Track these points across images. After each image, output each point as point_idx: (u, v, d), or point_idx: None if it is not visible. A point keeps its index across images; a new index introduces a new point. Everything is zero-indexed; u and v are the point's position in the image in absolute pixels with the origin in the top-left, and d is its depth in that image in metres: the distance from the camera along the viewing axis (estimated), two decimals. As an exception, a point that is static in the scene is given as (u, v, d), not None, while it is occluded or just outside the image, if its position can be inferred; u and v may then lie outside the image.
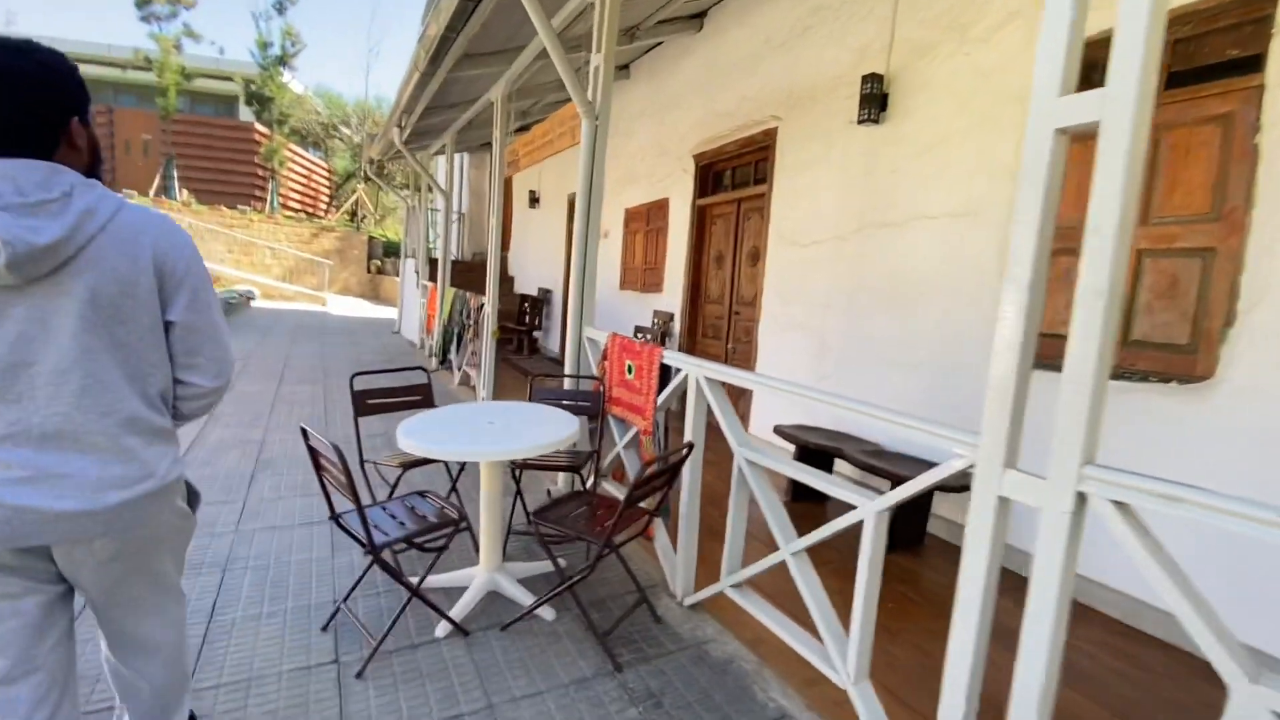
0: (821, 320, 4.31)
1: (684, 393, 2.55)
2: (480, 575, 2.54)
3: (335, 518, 2.19)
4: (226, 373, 1.35)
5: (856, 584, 1.75)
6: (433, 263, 9.51)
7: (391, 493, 2.95)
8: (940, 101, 3.54)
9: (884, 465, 3.26)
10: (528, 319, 9.58)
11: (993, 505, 1.43)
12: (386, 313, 15.97)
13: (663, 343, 5.75)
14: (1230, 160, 2.46)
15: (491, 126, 5.79)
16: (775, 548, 2.05)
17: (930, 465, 3.38)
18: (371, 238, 22.39)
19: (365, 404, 3.02)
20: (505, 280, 11.39)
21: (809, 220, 4.46)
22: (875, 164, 3.93)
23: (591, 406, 3.21)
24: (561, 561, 2.55)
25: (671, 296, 6.29)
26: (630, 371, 3.00)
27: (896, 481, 3.23)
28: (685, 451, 2.31)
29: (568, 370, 3.64)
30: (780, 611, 2.20)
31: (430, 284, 8.67)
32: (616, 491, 3.31)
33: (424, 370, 3.39)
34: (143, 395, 1.22)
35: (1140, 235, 2.70)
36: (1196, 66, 2.61)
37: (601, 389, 3.22)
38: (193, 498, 1.40)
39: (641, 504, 2.28)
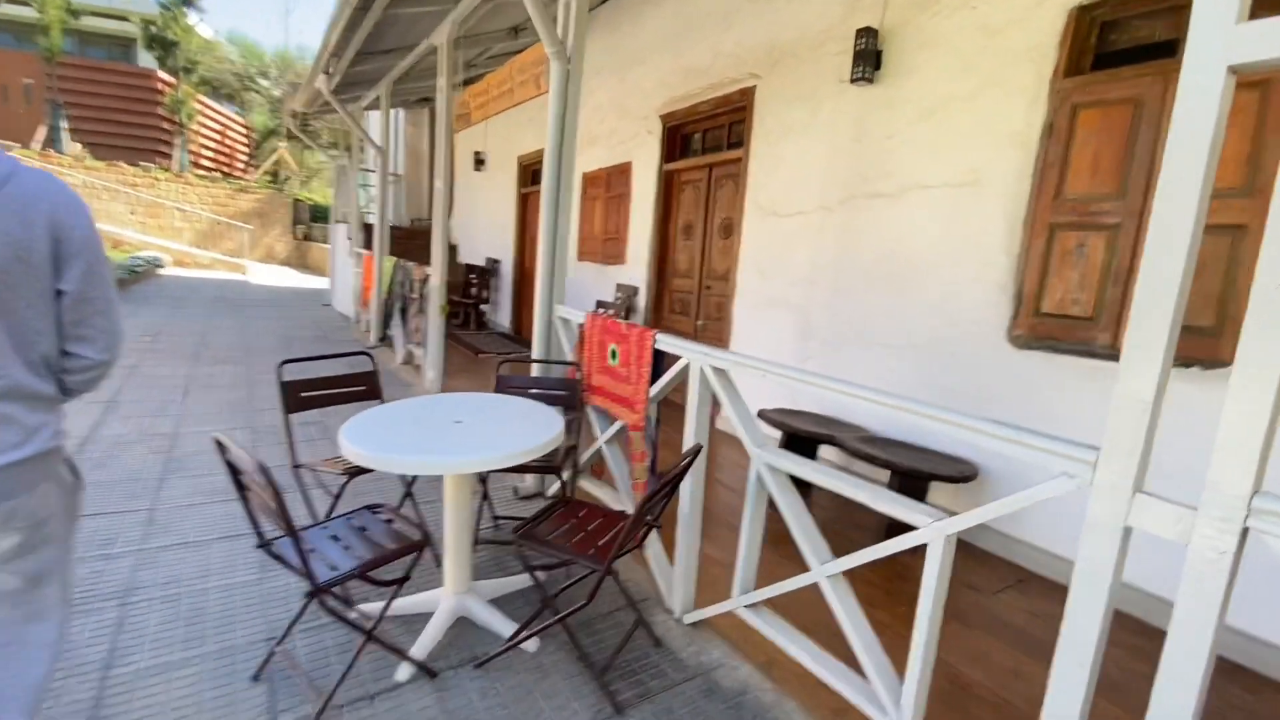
0: (805, 297, 4.05)
1: (682, 383, 2.22)
2: (447, 600, 2.16)
3: (265, 545, 1.76)
4: (115, 346, 1.33)
5: (917, 618, 1.48)
6: (367, 229, 8.73)
7: (333, 506, 2.50)
8: (942, 60, 3.26)
9: (879, 453, 3.04)
10: (475, 291, 8.98)
11: (1115, 536, 1.17)
12: (316, 283, 14.83)
13: (627, 318, 5.38)
14: (1266, 130, 2.28)
15: (435, 76, 5.16)
16: (783, 554, 1.77)
17: (927, 451, 3.26)
18: (297, 201, 20.75)
19: (298, 398, 2.54)
20: (448, 249, 10.68)
21: (791, 189, 4.15)
22: (868, 128, 3.64)
23: (569, 396, 2.83)
24: (541, 575, 2.20)
25: (635, 269, 5.90)
26: (614, 357, 2.63)
27: (894, 470, 3.04)
28: (690, 459, 1.98)
29: (536, 353, 3.23)
30: (800, 633, 1.93)
31: (365, 252, 7.94)
32: (600, 493, 2.97)
33: (368, 355, 2.92)
34: (27, 363, 1.20)
35: (1164, 210, 2.51)
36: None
37: (579, 376, 2.84)
38: (75, 477, 1.36)
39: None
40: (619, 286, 6.02)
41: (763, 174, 4.39)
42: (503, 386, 2.80)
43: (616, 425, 2.66)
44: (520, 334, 8.76)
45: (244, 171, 27.25)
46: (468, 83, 7.16)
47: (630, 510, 2.47)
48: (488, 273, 9.09)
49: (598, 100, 6.35)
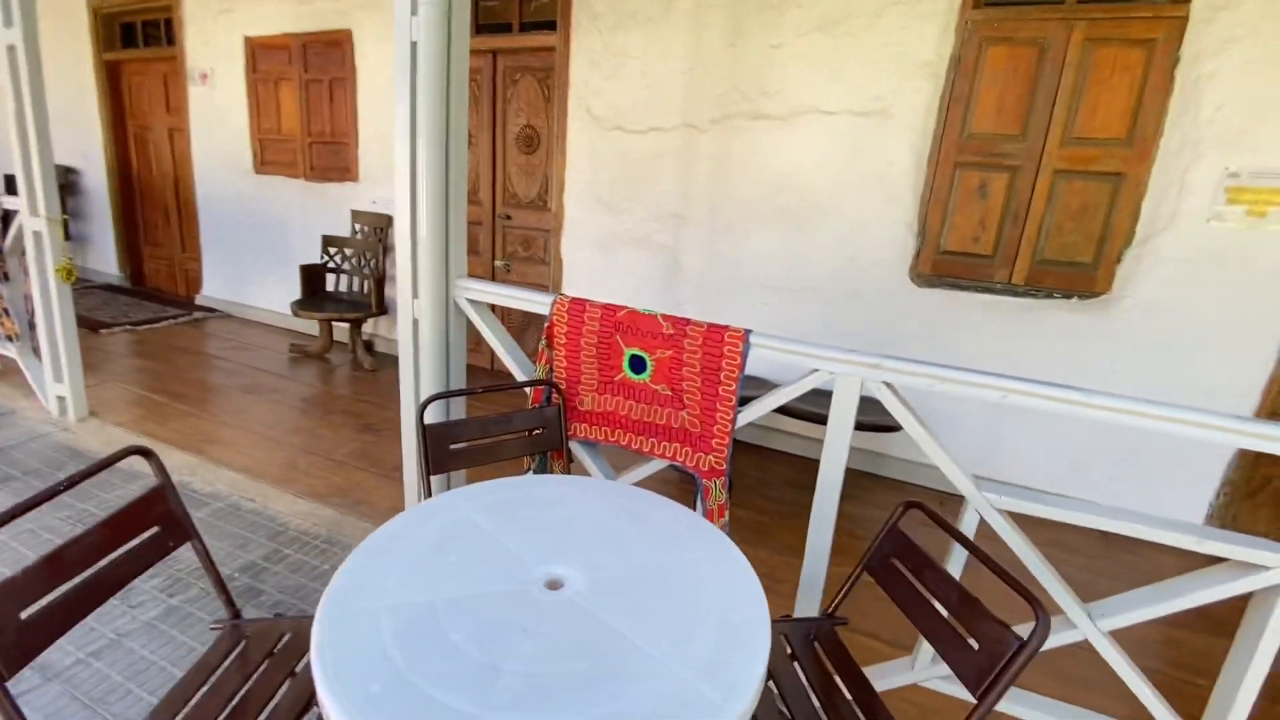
0: (673, 236, 3.46)
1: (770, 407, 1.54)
2: None
3: None
4: None
5: (1223, 680, 1.31)
6: None
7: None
8: (841, -37, 2.89)
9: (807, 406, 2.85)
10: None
11: None
12: None
13: (383, 259, 3.97)
14: (1148, 88, 2.60)
15: None
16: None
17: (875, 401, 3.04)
18: None
19: None
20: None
21: (641, 99, 3.38)
22: (746, 31, 3.09)
23: (547, 433, 1.79)
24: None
25: (377, 188, 4.28)
26: (640, 369, 1.72)
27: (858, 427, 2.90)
28: (893, 520, 1.39)
29: (403, 361, 1.98)
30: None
31: None
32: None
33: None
34: None
35: (1058, 156, 2.74)
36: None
37: (559, 401, 1.81)
38: None
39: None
40: (355, 214, 4.32)
41: (594, 73, 3.46)
42: (438, 440, 1.60)
43: (650, 466, 1.80)
44: (144, 283, 5.84)
45: None
46: None
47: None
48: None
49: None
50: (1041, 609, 1.07)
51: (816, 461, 3.32)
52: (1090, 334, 2.81)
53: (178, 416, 3.24)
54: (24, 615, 0.98)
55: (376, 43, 4.03)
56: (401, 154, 1.80)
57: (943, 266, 3.01)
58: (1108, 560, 2.79)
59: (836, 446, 1.55)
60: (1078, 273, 2.81)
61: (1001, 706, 1.32)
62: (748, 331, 1.59)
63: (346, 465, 2.85)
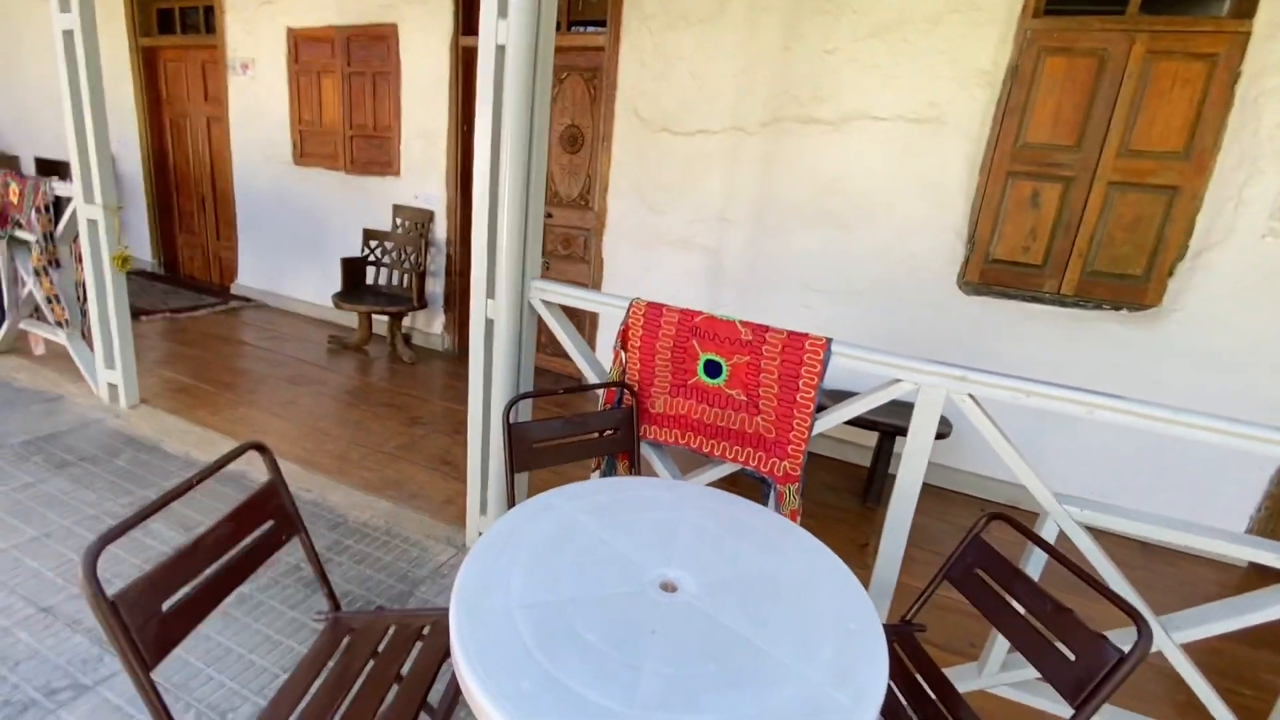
0: (717, 237, 3.48)
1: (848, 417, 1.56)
2: None
3: None
4: None
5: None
6: None
7: None
8: (899, -31, 2.89)
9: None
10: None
11: None
12: None
13: (423, 253, 4.00)
14: (1208, 103, 2.60)
15: None
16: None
17: (906, 406, 3.01)
18: None
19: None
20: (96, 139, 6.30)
21: (691, 98, 3.39)
22: (801, 34, 3.10)
23: (618, 435, 1.82)
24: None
25: (420, 182, 4.31)
26: (715, 374, 1.74)
27: (881, 430, 2.91)
28: (975, 532, 1.41)
29: (473, 363, 2.01)
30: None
31: None
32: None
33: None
34: None
35: (1114, 167, 2.74)
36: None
37: (632, 403, 1.84)
38: None
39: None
40: (397, 209, 4.36)
41: (644, 74, 3.48)
42: (521, 438, 1.63)
43: (720, 469, 1.83)
44: (177, 271, 5.91)
45: None
46: None
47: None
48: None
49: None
50: (1144, 622, 1.09)
51: (853, 465, 3.34)
52: (1139, 347, 2.81)
53: (227, 406, 3.29)
54: (165, 606, 1.02)
55: (423, 37, 4.05)
56: (481, 154, 1.82)
57: (991, 275, 3.01)
58: (1147, 571, 2.81)
59: (916, 455, 1.57)
60: (1128, 285, 2.82)
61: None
62: (829, 340, 1.61)
63: (398, 458, 2.89)
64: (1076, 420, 2.97)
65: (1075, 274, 2.88)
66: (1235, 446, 1.39)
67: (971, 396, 1.51)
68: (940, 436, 2.69)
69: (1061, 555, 1.29)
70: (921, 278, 3.10)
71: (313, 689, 1.17)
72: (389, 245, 4.26)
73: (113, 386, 3.20)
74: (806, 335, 1.62)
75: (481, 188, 1.84)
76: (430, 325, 4.55)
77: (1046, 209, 2.88)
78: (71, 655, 1.73)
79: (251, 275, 5.33)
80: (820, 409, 1.67)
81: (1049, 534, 1.50)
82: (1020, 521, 1.38)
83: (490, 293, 1.92)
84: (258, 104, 4.81)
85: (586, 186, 3.85)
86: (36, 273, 3.27)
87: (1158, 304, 2.76)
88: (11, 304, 3.50)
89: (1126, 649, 1.05)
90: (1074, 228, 2.85)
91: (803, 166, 3.21)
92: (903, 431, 2.89)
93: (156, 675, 1.72)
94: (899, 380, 1.56)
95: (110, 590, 0.90)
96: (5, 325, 3.55)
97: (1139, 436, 2.84)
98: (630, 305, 1.81)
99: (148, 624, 0.96)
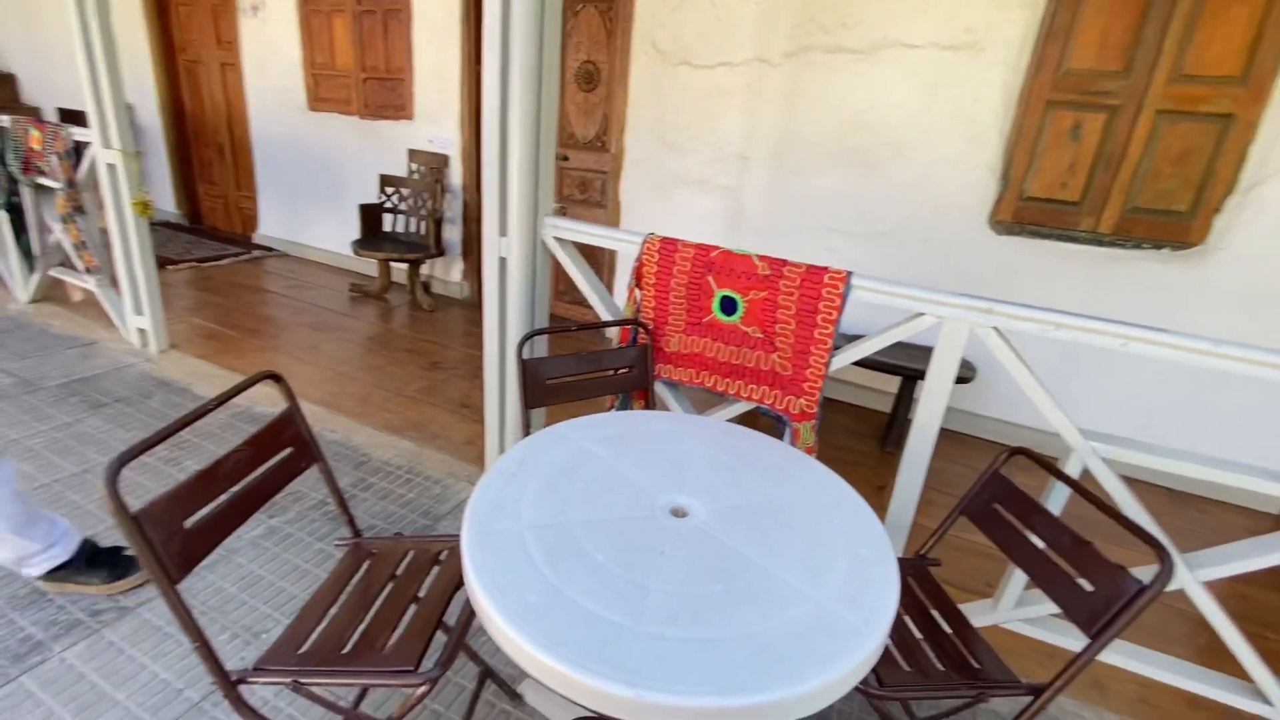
0: (737, 178, 3.37)
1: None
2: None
3: None
4: None
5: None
6: None
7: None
8: (937, -122, 2.68)
9: (884, 357, 2.80)
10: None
11: None
12: None
13: (440, 199, 3.96)
14: (1270, 20, 2.39)
15: None
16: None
17: (925, 350, 2.93)
18: None
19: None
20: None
21: (711, 29, 3.24)
22: (828, -43, 2.91)
23: (632, 373, 1.81)
24: None
25: (434, 126, 4.24)
26: (731, 311, 1.71)
27: (903, 374, 2.87)
28: (997, 466, 1.38)
29: (487, 302, 1.99)
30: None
31: None
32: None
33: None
34: None
35: (1164, 94, 2.57)
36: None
37: (647, 341, 1.82)
38: None
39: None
40: (412, 154, 4.30)
41: (662, 4, 3.32)
42: (534, 375, 1.63)
43: (735, 408, 1.81)
44: (201, 222, 5.96)
45: None
46: None
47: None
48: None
49: None
50: (1165, 553, 1.07)
51: (873, 410, 3.30)
52: (1179, 287, 2.69)
53: (253, 351, 3.35)
54: (188, 524, 1.05)
55: (432, -28, 3.90)
56: (490, 75, 1.76)
57: (1025, 213, 2.88)
58: (1174, 517, 2.76)
59: (936, 394, 1.53)
60: (1171, 222, 2.67)
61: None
62: (850, 273, 1.56)
63: (419, 401, 2.93)
64: (1104, 362, 2.89)
65: (1115, 211, 2.74)
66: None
67: (997, 330, 1.45)
68: (963, 380, 2.65)
69: (1084, 489, 1.26)
70: (951, 218, 2.99)
71: (334, 608, 1.21)
72: (405, 192, 4.22)
73: (142, 332, 3.28)
74: (826, 269, 1.57)
75: (491, 119, 1.78)
76: (449, 273, 4.54)
77: (1088, 141, 2.72)
78: (114, 580, 1.81)
79: (272, 225, 5.35)
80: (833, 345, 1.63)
81: (1072, 472, 1.47)
82: (1042, 455, 1.34)
83: (502, 230, 1.89)
84: (270, 47, 4.73)
85: (603, 127, 3.75)
86: (63, 219, 3.31)
87: (1201, 242, 2.62)
88: (41, 251, 3.57)
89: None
90: (1116, 161, 2.70)
91: (828, 100, 3.07)
92: (924, 375, 2.86)
93: (194, 600, 1.81)
94: (921, 314, 1.51)
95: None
96: (36, 273, 3.63)
97: (1170, 381, 2.76)
98: (644, 240, 1.77)
99: (171, 539, 0.99)
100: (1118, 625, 1.08)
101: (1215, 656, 1.68)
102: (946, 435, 3.19)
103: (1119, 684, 1.75)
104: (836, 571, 0.98)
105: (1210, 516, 2.79)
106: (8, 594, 1.74)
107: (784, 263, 1.62)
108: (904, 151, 2.99)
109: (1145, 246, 2.71)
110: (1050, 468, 1.32)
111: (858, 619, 0.89)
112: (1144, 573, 1.05)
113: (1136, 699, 1.70)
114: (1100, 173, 2.73)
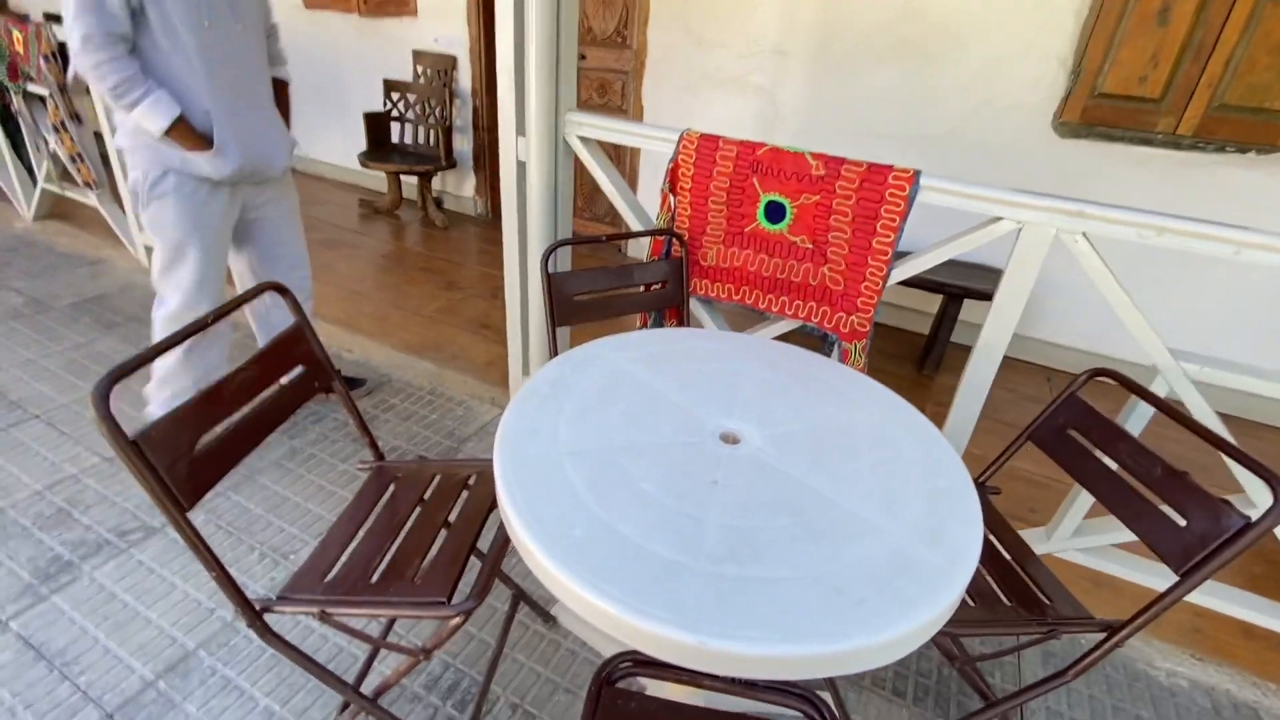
0: (771, 76, 3.07)
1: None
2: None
3: None
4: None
5: None
6: None
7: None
8: None
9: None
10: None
11: None
12: None
13: (449, 106, 3.71)
14: None
15: None
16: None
17: (969, 266, 2.65)
18: None
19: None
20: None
21: (747, -100, 2.85)
22: None
23: (666, 290, 1.67)
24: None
25: (439, 23, 3.90)
26: (778, 218, 1.54)
27: (946, 292, 2.69)
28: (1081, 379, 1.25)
29: (505, 212, 1.83)
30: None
31: None
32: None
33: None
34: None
35: (1273, -33, 2.22)
36: None
37: (682, 254, 1.66)
38: None
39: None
40: (419, 57, 3.98)
41: None
42: (561, 290, 1.49)
43: (778, 326, 1.67)
44: (202, 134, 5.69)
45: None
46: None
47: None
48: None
49: None
50: (1278, 482, 0.95)
51: (910, 332, 3.14)
52: (1263, 195, 2.44)
53: (263, 269, 3.23)
54: (197, 448, 0.96)
55: None
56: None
57: (1095, 113, 2.60)
58: (1260, 455, 2.63)
59: (1009, 309, 1.38)
60: (1262, 121, 2.38)
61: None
62: (918, 172, 1.37)
63: (437, 321, 2.82)
64: (1183, 280, 2.66)
65: (1199, 109, 2.45)
66: None
67: (1085, 236, 1.28)
68: (985, 297, 2.47)
69: (1180, 414, 1.13)
70: (1010, 120, 2.70)
71: (360, 533, 1.15)
72: (412, 98, 3.94)
73: (149, 249, 3.16)
74: (890, 167, 1.38)
75: (504, 9, 1.56)
76: (461, 188, 4.32)
77: (1176, 26, 2.40)
78: (140, 501, 1.79)
79: (276, 138, 5.09)
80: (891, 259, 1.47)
81: (1159, 393, 1.33)
82: (1130, 379, 1.20)
83: (520, 129, 1.70)
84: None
85: (623, 19, 3.41)
86: (56, 129, 3.13)
87: (1298, 143, 2.35)
88: (39, 165, 3.41)
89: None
90: (1208, 50, 2.38)
91: (878, -17, 2.73)
92: (971, 294, 2.67)
93: (220, 521, 1.79)
94: (999, 219, 1.34)
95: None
96: (37, 190, 3.49)
97: (1261, 302, 2.54)
98: (681, 137, 1.58)
99: (176, 464, 0.90)
100: (1215, 563, 0.98)
101: (1271, 584, 1.60)
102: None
103: (1172, 612, 1.68)
104: (913, 505, 0.88)
105: (1269, 444, 2.66)
106: (34, 513, 1.72)
107: (841, 161, 1.43)
108: (963, 41, 2.67)
109: (1230, 149, 2.44)
110: (1140, 390, 1.18)
111: (941, 559, 0.79)
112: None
113: (1191, 628, 1.64)
114: (1187, 63, 2.42)
